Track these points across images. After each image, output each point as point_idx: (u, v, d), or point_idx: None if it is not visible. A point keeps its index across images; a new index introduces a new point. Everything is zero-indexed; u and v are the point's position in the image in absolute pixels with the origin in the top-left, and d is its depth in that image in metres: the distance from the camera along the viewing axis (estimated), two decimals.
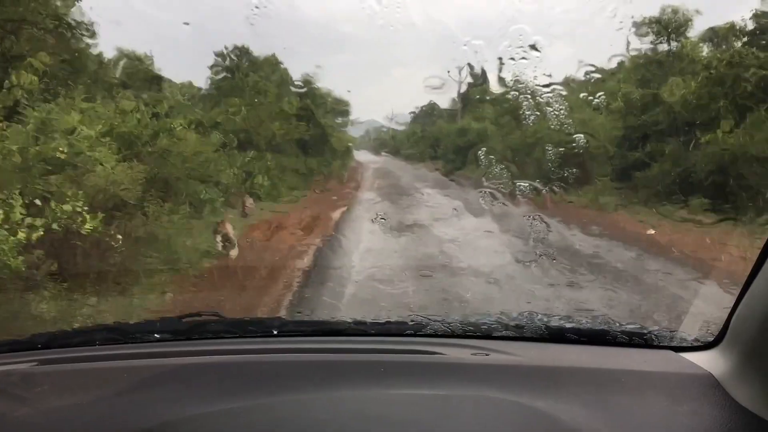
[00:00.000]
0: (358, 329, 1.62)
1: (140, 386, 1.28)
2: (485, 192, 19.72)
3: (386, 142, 51.37)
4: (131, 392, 1.25)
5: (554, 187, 16.64)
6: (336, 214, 15.11)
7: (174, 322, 1.67)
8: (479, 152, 26.76)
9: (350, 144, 33.81)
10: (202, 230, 10.72)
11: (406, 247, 10.08)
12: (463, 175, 24.91)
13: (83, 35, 12.07)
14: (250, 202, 14.33)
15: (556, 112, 20.53)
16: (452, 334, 1.60)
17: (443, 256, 9.01)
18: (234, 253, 10.16)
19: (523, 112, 24.72)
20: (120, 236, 7.57)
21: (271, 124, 19.50)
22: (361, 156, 37.12)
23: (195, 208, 11.59)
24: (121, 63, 15.63)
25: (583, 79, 24.99)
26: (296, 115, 22.14)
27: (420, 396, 1.15)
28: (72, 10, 11.14)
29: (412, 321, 1.68)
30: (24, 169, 6.96)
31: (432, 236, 11.02)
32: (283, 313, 6.72)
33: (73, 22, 11.32)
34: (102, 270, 7.74)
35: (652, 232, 10.80)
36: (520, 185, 18.95)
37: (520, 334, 1.59)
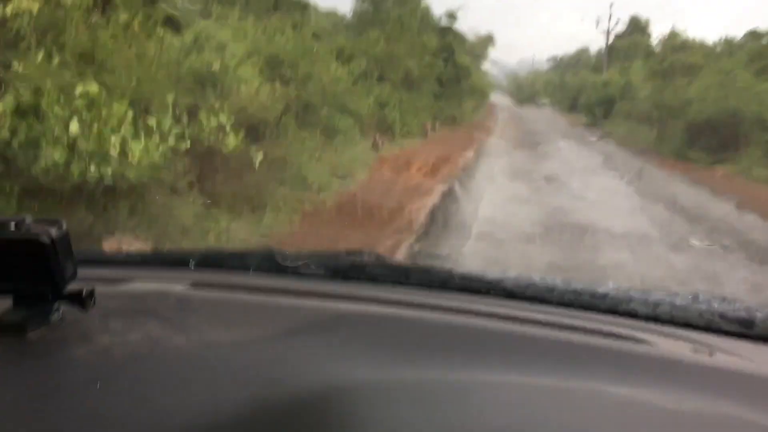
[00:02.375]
0: (543, 294, 1.37)
1: (300, 331, 1.12)
2: (628, 149, 18.62)
3: (524, 87, 49.68)
4: (292, 336, 1.10)
5: (702, 153, 15.37)
6: (466, 157, 14.78)
7: (331, 258, 1.51)
8: (623, 107, 25.22)
9: (486, 86, 32.92)
10: (333, 158, 10.80)
11: (539, 200, 9.64)
12: (603, 129, 23.62)
13: None
14: (381, 136, 14.28)
15: (712, 73, 18.74)
16: (657, 319, 1.30)
17: (581, 214, 8.46)
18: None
19: (677, 69, 22.82)
20: (259, 156, 7.71)
21: (409, 59, 19.21)
22: (497, 99, 36.06)
23: (328, 136, 11.68)
24: None
25: (744, 41, 22.61)
26: (434, 53, 21.70)
27: (640, 401, 0.90)
28: None
29: (607, 291, 1.40)
30: (177, 80, 7.17)
31: (567, 191, 10.46)
32: (404, 251, 6.61)
33: None
34: (237, 186, 7.97)
35: None
36: (665, 146, 17.64)
37: (749, 331, 1.25)
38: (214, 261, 1.58)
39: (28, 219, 1.01)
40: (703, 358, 1.13)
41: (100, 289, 1.10)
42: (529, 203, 9.31)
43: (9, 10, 4.55)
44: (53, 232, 0.99)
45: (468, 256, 6.41)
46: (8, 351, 1.00)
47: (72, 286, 1.06)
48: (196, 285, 1.38)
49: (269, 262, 1.51)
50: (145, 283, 1.38)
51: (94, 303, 1.07)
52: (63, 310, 1.08)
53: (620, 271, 5.80)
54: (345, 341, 1.10)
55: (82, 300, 1.06)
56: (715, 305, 1.34)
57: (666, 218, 8.66)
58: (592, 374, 1.04)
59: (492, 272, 1.46)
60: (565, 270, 5.74)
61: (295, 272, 1.47)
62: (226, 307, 1.25)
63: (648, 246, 6.97)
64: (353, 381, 0.88)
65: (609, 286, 1.42)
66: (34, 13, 4.55)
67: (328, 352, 1.02)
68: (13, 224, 1.01)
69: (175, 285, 1.35)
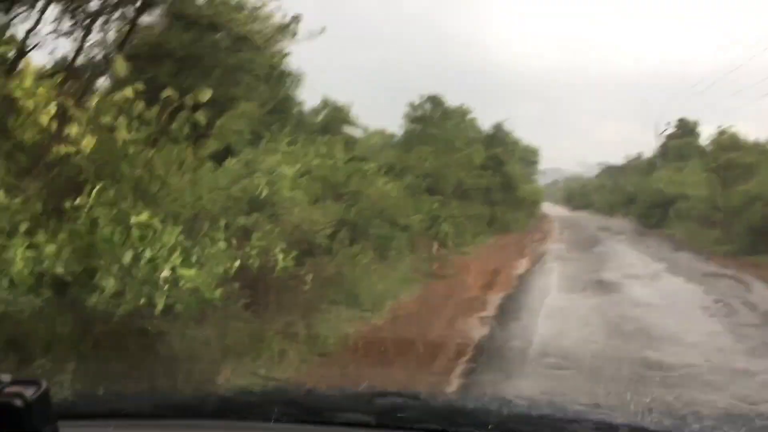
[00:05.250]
0: (599, 429, 1.20)
1: None
2: (689, 251, 17.92)
3: (575, 193, 49.56)
4: None
5: None
6: (520, 267, 14.48)
7: (365, 401, 1.35)
8: (680, 209, 24.66)
9: (538, 194, 32.94)
10: (386, 273, 10.70)
11: (599, 312, 9.15)
12: (660, 233, 23.03)
13: (291, 83, 12.97)
14: (435, 248, 14.24)
15: None
16: None
17: (651, 332, 7.81)
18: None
19: (732, 168, 22.49)
20: (310, 276, 7.68)
21: (458, 171, 19.50)
22: (548, 206, 35.95)
23: (380, 252, 11.66)
24: (324, 111, 16.62)
25: None
26: (483, 164, 22.00)
27: None
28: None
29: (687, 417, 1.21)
30: (228, 205, 7.35)
31: (630, 301, 9.98)
32: (458, 376, 6.18)
33: (284, 71, 12.20)
34: (290, 305, 7.89)
35: None
36: (728, 246, 16.98)
37: None
38: (230, 409, 1.40)
39: (5, 378, 0.90)
40: None
41: None
42: (592, 318, 8.84)
43: (66, 149, 4.81)
44: (29, 393, 0.87)
45: (527, 387, 5.89)
46: None
47: None
48: None
49: (293, 409, 1.34)
50: None
51: None
52: None
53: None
54: None
55: None
56: None
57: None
58: None
59: (547, 406, 1.28)
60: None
61: (322, 422, 1.30)
62: None
63: None
64: None
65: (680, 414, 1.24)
66: (89, 150, 4.79)
67: None
68: None
69: None
